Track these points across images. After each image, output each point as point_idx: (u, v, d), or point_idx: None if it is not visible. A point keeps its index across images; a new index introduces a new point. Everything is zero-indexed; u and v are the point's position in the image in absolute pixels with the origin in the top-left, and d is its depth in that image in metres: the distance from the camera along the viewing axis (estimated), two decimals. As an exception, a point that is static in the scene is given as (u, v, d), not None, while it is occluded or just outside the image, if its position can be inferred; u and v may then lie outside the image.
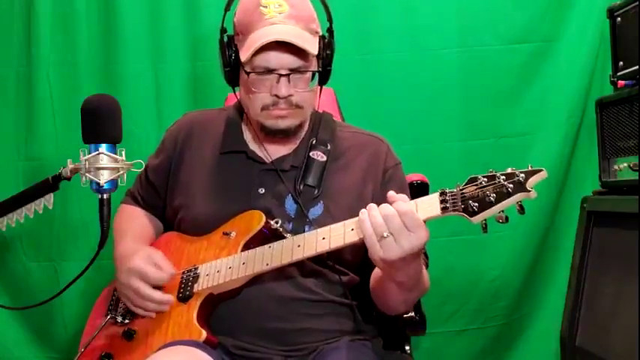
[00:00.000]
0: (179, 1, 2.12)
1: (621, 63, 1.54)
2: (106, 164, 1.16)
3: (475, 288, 2.18)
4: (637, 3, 1.47)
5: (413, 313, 1.64)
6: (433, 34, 2.12)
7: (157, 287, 1.37)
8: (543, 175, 1.12)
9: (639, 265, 1.37)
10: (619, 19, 1.56)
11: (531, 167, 1.12)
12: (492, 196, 1.12)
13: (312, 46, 1.35)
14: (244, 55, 1.33)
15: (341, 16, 2.10)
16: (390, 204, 1.16)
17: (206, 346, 1.28)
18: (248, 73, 1.35)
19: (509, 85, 2.14)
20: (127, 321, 1.40)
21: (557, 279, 2.15)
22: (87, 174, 1.16)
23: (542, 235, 2.18)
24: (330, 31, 1.45)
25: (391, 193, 1.18)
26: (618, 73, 1.55)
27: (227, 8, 1.43)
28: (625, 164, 1.50)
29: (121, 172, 1.17)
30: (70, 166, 1.21)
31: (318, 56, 1.39)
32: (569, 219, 2.05)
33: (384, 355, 1.42)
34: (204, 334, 1.29)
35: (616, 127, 1.54)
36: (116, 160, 1.17)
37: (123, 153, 1.18)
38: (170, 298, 1.35)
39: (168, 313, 1.36)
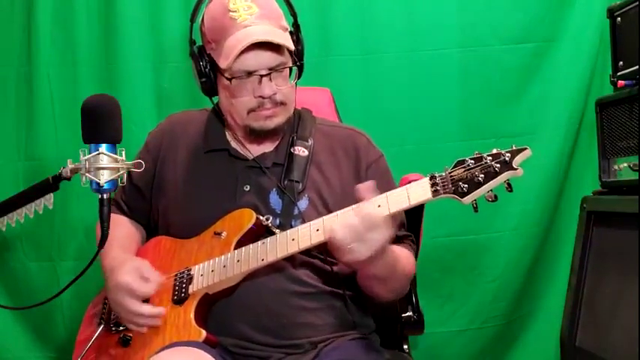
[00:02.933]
0: (179, 1, 2.12)
1: (621, 63, 1.54)
2: (106, 164, 1.16)
3: (475, 288, 2.19)
4: (637, 3, 1.47)
5: (411, 313, 1.65)
6: (433, 34, 2.12)
7: (147, 299, 1.36)
8: (528, 153, 1.17)
9: (639, 265, 1.37)
10: (619, 19, 1.56)
11: (515, 147, 1.18)
12: (481, 177, 1.16)
13: (289, 41, 1.38)
14: (224, 62, 1.34)
15: (341, 15, 2.12)
16: (359, 200, 1.20)
17: (206, 345, 1.28)
18: (230, 79, 1.36)
19: (509, 85, 2.14)
20: (121, 328, 1.39)
21: (557, 279, 2.15)
22: (87, 174, 1.16)
23: (542, 235, 2.18)
24: (295, 25, 1.45)
25: (358, 187, 1.22)
26: (618, 73, 1.55)
27: (192, 19, 1.43)
28: (625, 164, 1.50)
29: (121, 172, 1.17)
30: (70, 166, 1.21)
31: (291, 52, 1.40)
32: (569, 219, 2.05)
33: (384, 354, 1.42)
34: (203, 333, 1.29)
35: (616, 127, 1.54)
36: (116, 160, 1.17)
37: (123, 153, 1.18)
38: (161, 310, 1.35)
39: (164, 316, 1.35)
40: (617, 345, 1.43)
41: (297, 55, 1.43)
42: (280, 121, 1.42)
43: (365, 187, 1.22)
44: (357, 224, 1.17)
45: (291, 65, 1.40)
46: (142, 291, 1.34)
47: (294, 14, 1.46)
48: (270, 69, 1.35)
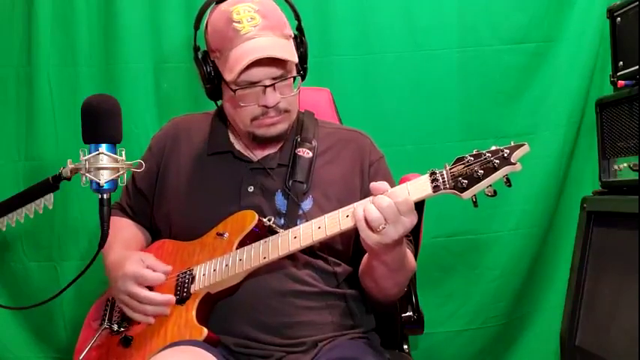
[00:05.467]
0: (179, 1, 2.12)
1: (621, 63, 1.55)
2: (106, 164, 1.16)
3: (475, 288, 2.18)
4: (637, 3, 1.47)
5: (411, 313, 1.65)
6: (433, 34, 2.12)
7: (152, 289, 1.37)
8: (526, 148, 1.18)
9: (639, 265, 1.37)
10: (619, 19, 1.56)
11: (513, 143, 1.18)
12: (480, 172, 1.17)
13: (292, 54, 1.36)
14: (229, 75, 1.34)
15: (341, 15, 2.11)
16: (381, 193, 1.20)
17: (207, 345, 1.28)
18: (234, 90, 1.36)
19: (509, 85, 2.14)
20: (122, 329, 1.40)
21: (557, 279, 2.15)
22: (87, 174, 1.16)
23: (542, 235, 2.18)
24: (299, 29, 1.46)
25: (373, 184, 1.22)
26: (618, 73, 1.55)
27: (196, 26, 1.43)
28: (625, 164, 1.51)
29: (121, 172, 1.17)
30: (70, 166, 1.21)
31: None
32: (569, 219, 2.05)
33: (384, 353, 1.42)
34: (205, 332, 1.29)
35: (616, 127, 1.55)
36: (116, 160, 1.17)
37: (123, 153, 1.18)
38: (170, 297, 1.35)
39: (165, 316, 1.36)
40: (617, 345, 1.43)
41: (301, 59, 1.43)
42: (284, 128, 1.43)
43: (380, 184, 1.22)
44: (394, 206, 1.17)
45: (294, 75, 1.39)
46: (149, 277, 1.35)
47: (297, 17, 1.46)
48: (274, 79, 1.36)
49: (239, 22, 1.34)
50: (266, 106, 1.37)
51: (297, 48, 1.43)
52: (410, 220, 1.19)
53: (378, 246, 1.22)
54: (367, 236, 1.21)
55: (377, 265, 1.32)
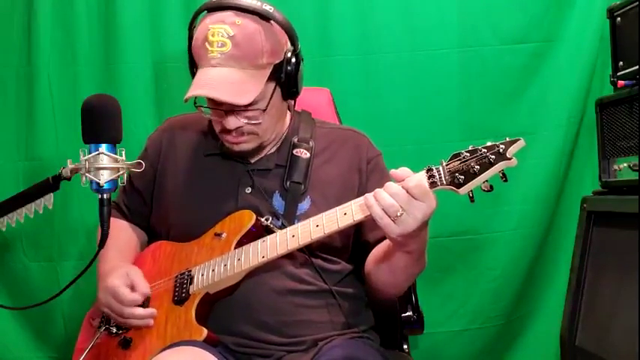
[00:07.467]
0: (179, 1, 2.12)
1: (621, 63, 1.54)
2: (106, 164, 1.16)
3: (475, 288, 2.18)
4: (637, 3, 1.47)
5: (411, 312, 1.65)
6: (433, 34, 2.12)
7: (146, 300, 1.36)
8: (521, 143, 1.20)
9: (639, 265, 1.37)
10: (619, 19, 1.56)
11: (509, 139, 1.20)
12: (476, 168, 1.18)
13: (246, 92, 1.31)
14: (186, 94, 1.32)
15: (341, 15, 2.11)
16: (397, 182, 1.20)
17: (207, 345, 1.28)
18: (196, 107, 1.37)
19: (509, 85, 2.14)
20: (121, 331, 1.40)
21: (557, 279, 2.14)
22: (87, 174, 1.16)
23: (542, 235, 2.17)
24: (295, 53, 1.39)
25: (394, 171, 1.22)
26: (618, 73, 1.55)
27: (191, 30, 1.41)
28: (625, 164, 1.50)
29: (121, 172, 1.18)
30: (70, 166, 1.21)
31: (277, 80, 1.36)
32: (569, 219, 2.05)
33: (384, 353, 1.42)
34: (205, 332, 1.29)
35: (616, 127, 1.54)
36: (116, 160, 1.17)
37: (123, 153, 1.18)
38: (152, 311, 1.35)
39: (164, 317, 1.36)
40: (617, 345, 1.43)
41: (289, 79, 1.37)
42: (248, 147, 1.41)
43: (400, 170, 1.23)
44: (404, 191, 1.17)
45: (259, 108, 1.35)
46: (127, 299, 1.34)
47: (293, 43, 1.40)
48: (235, 105, 1.33)
49: (210, 44, 1.32)
50: (225, 128, 1.37)
51: (281, 72, 1.36)
52: (428, 205, 1.19)
53: (401, 238, 1.21)
54: (390, 230, 1.19)
55: (400, 256, 1.31)
